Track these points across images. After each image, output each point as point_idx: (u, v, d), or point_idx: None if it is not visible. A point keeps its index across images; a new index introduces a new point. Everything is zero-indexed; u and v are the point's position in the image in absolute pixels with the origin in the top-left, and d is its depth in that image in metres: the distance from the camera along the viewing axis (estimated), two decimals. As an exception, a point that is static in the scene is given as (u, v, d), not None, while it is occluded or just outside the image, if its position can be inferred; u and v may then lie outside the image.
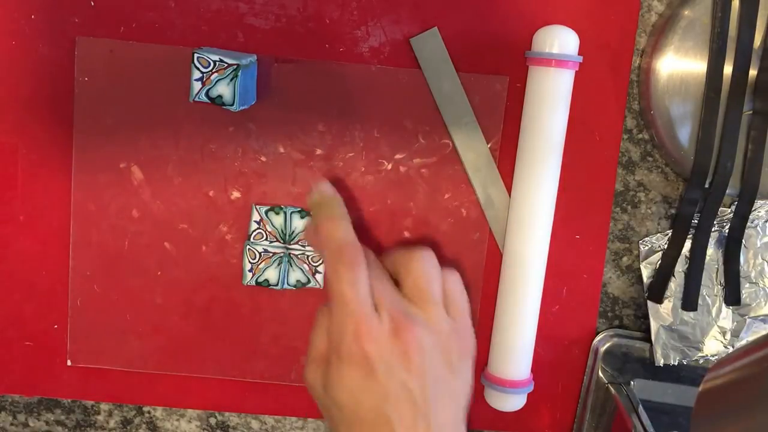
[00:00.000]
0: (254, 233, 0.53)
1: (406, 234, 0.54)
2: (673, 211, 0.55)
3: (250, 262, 0.53)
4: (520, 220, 0.52)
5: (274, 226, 0.53)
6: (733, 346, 0.55)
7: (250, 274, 0.53)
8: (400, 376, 0.44)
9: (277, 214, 0.53)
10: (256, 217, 0.52)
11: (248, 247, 0.53)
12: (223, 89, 0.47)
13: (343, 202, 0.49)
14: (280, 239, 0.53)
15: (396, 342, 0.44)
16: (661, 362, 0.55)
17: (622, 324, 0.57)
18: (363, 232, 0.54)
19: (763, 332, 0.55)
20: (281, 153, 0.53)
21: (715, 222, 0.54)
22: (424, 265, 0.48)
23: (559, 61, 0.49)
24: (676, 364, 0.55)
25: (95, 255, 0.54)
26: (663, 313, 0.55)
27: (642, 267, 0.55)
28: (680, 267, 0.54)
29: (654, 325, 0.55)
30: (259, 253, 0.53)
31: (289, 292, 0.54)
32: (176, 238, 0.54)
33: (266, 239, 0.53)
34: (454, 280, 0.49)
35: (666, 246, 0.54)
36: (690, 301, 0.54)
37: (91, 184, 0.53)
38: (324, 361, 0.45)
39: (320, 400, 0.46)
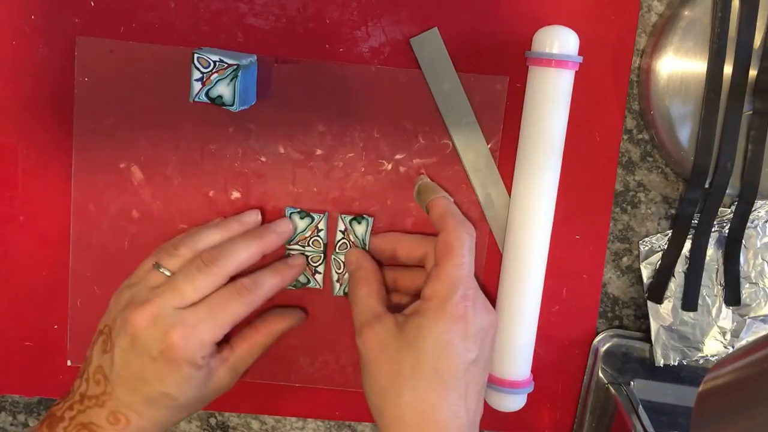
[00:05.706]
0: None
1: (406, 234, 0.54)
2: (673, 211, 0.55)
3: None
4: (520, 221, 0.52)
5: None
6: (733, 347, 0.55)
7: None
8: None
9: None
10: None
11: None
12: (223, 89, 0.47)
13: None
14: (280, 239, 0.53)
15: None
16: (661, 362, 0.55)
17: (622, 324, 0.57)
18: (363, 232, 0.54)
19: (763, 332, 0.55)
20: (281, 153, 0.53)
21: (715, 222, 0.54)
22: None
23: (559, 61, 0.49)
24: (676, 364, 0.55)
25: (95, 255, 0.54)
26: (663, 313, 0.55)
27: (642, 267, 0.55)
28: (680, 267, 0.54)
29: (654, 326, 0.55)
30: None
31: (289, 292, 0.54)
32: (176, 238, 0.54)
33: None
34: None
35: (666, 246, 0.54)
36: (690, 301, 0.54)
37: (91, 184, 0.53)
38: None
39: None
